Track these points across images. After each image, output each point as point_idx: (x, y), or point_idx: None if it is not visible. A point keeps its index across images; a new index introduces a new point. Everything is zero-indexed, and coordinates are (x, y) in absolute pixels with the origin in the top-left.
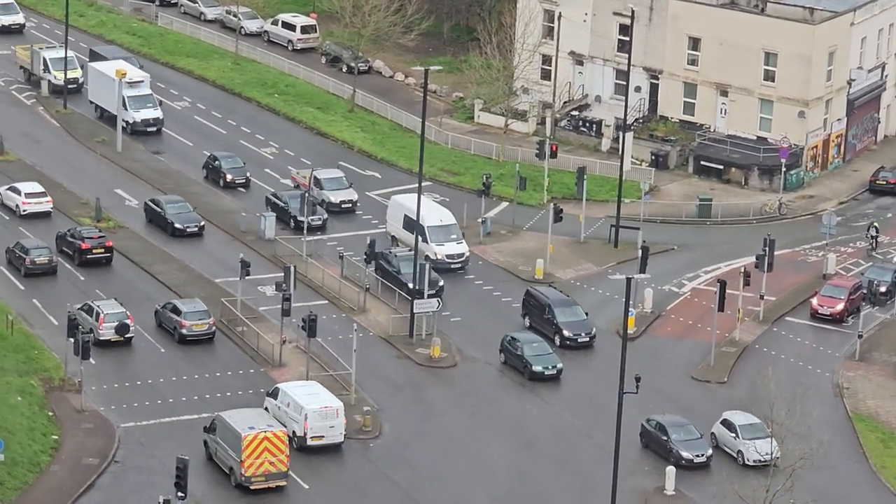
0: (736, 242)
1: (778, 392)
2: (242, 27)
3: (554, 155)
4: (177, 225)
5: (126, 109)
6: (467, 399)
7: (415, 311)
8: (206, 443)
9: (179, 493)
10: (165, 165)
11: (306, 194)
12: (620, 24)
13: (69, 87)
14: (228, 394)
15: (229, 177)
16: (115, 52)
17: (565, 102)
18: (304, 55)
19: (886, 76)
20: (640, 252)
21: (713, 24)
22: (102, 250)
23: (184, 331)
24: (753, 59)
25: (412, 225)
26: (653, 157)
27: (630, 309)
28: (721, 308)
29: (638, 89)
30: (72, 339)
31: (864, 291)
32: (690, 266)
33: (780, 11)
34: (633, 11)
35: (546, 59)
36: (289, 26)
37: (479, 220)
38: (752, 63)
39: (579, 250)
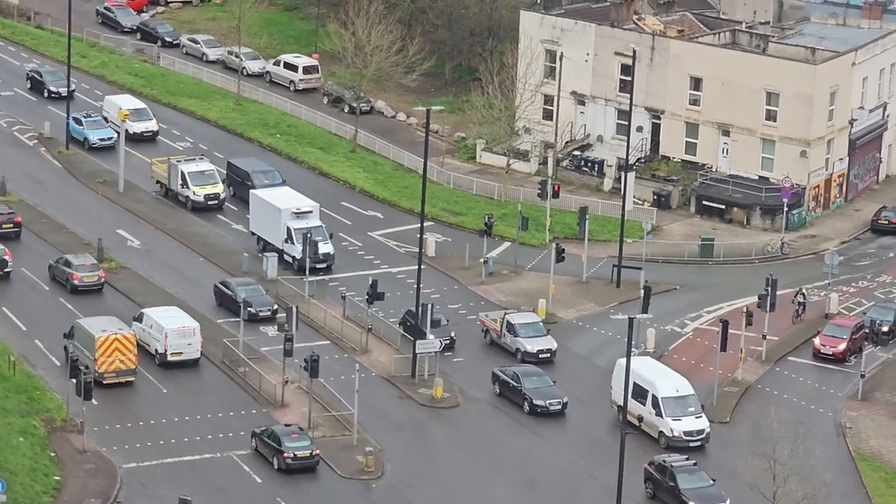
0: (738, 282)
1: (781, 432)
2: (244, 68)
3: (556, 195)
4: (251, 309)
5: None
6: (470, 439)
7: (417, 351)
8: (66, 348)
9: None
10: (168, 206)
11: (308, 234)
12: (622, 64)
13: (210, 203)
14: (230, 434)
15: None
16: (255, 164)
17: (567, 142)
18: (306, 96)
19: (888, 116)
20: (642, 292)
21: (715, 63)
22: (11, 226)
23: (76, 282)
24: (755, 98)
25: (643, 394)
26: (655, 197)
27: (633, 349)
28: (723, 348)
29: (640, 129)
30: (73, 380)
31: (867, 331)
32: (693, 306)
33: (782, 51)
34: (634, 51)
35: (548, 99)
36: (291, 67)
37: (482, 259)
38: (754, 103)
39: (581, 290)
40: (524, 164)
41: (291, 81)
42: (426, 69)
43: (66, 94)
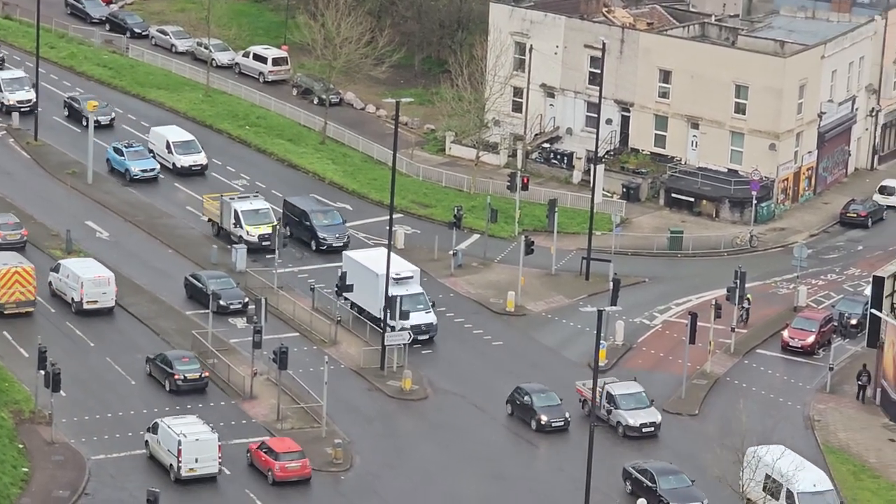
0: (707, 275)
1: (749, 424)
2: (214, 59)
3: (525, 187)
4: (222, 302)
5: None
6: (438, 431)
7: (386, 343)
8: None
9: None
10: (136, 197)
11: (278, 227)
12: (592, 57)
13: (263, 243)
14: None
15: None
16: (313, 202)
17: (537, 135)
18: (275, 87)
19: (857, 109)
20: (611, 284)
21: (684, 56)
22: None
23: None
24: (724, 91)
25: (776, 490)
26: (624, 190)
27: (601, 341)
28: (692, 340)
29: (609, 122)
30: (42, 372)
31: (835, 324)
32: (662, 298)
33: (751, 44)
34: (604, 44)
35: (517, 92)
36: (260, 58)
37: (451, 252)
38: (723, 96)
39: (550, 282)
40: (493, 156)
41: (261, 73)
42: (396, 61)
43: (106, 124)
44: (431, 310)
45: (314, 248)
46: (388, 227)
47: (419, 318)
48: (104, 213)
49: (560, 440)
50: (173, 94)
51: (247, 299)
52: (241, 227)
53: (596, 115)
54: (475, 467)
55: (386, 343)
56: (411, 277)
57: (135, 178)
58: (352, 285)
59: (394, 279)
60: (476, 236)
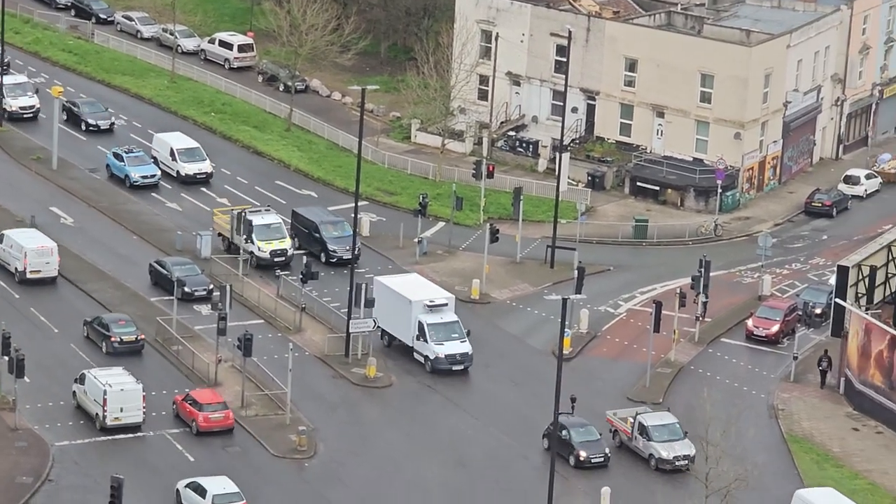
0: (672, 263)
1: (713, 413)
2: (179, 45)
3: (490, 175)
4: (186, 289)
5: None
6: (403, 419)
7: (351, 330)
8: None
9: None
10: (101, 183)
11: (241, 213)
12: (557, 45)
13: (276, 260)
14: (164, 413)
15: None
16: (322, 213)
17: (502, 123)
18: (240, 74)
19: (822, 98)
20: (575, 272)
21: (650, 45)
22: None
23: None
24: (690, 80)
25: None
26: (589, 178)
27: (566, 329)
28: (657, 329)
29: (575, 110)
30: (6, 357)
31: (800, 313)
32: (626, 287)
33: (717, 34)
34: (570, 32)
35: (483, 80)
36: (226, 45)
37: (416, 240)
38: (689, 85)
39: (515, 270)
40: (459, 144)
41: (226, 59)
42: (361, 48)
43: (106, 128)
44: (467, 339)
45: (324, 260)
46: (353, 215)
47: (454, 347)
48: (69, 198)
49: (525, 427)
50: (138, 81)
51: (211, 286)
52: (252, 242)
53: (561, 104)
54: (439, 455)
55: (350, 331)
56: (446, 305)
57: (135, 184)
58: (317, 273)
59: (427, 306)
60: (441, 224)
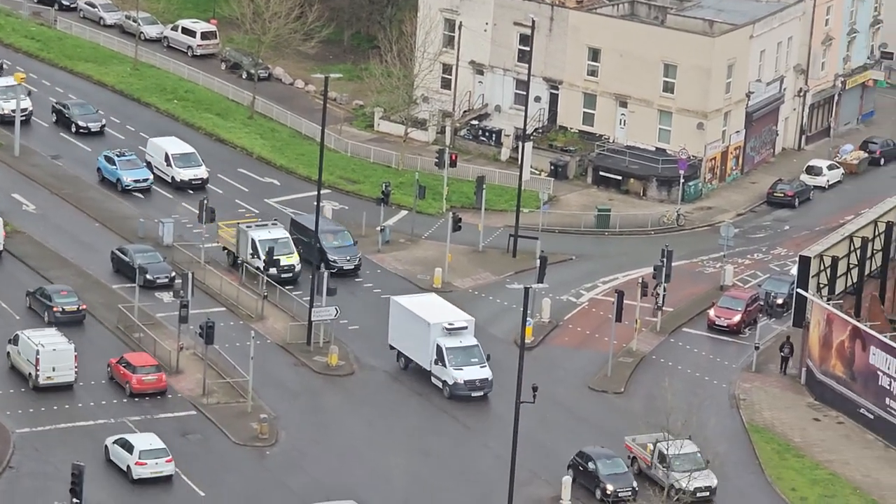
0: (634, 253)
1: (675, 402)
2: (142, 32)
3: (453, 164)
4: (148, 276)
5: None
6: (364, 407)
7: (312, 318)
8: None
9: (74, 500)
10: (63, 170)
11: (204, 201)
12: (521, 34)
13: (283, 275)
14: (125, 399)
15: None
16: (323, 222)
17: (465, 112)
18: (203, 61)
19: (785, 89)
20: (538, 262)
21: (613, 35)
22: None
23: None
24: (653, 70)
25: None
26: (552, 168)
27: (528, 318)
28: (619, 318)
29: (538, 99)
30: None
31: (761, 303)
32: (588, 276)
33: (680, 24)
34: (533, 21)
35: (446, 69)
36: (189, 32)
37: (378, 228)
38: (652, 74)
39: (478, 259)
40: (422, 132)
41: (189, 47)
42: (325, 36)
43: (97, 130)
44: (487, 364)
45: (323, 270)
46: (315, 203)
47: (473, 372)
48: (31, 185)
49: (487, 416)
50: (101, 68)
51: (173, 273)
52: (258, 257)
53: (525, 93)
54: (401, 443)
55: (312, 318)
56: (465, 328)
57: (126, 188)
58: (278, 260)
59: (446, 329)
60: (404, 212)
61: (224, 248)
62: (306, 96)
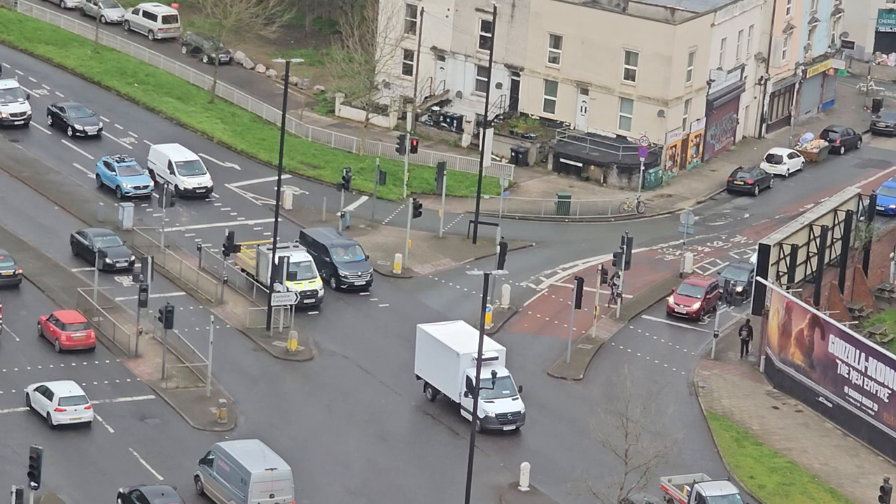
0: (594, 240)
1: (633, 389)
2: (103, 16)
3: (414, 150)
4: (108, 260)
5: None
6: (324, 392)
7: (272, 304)
8: None
9: (32, 483)
10: (23, 153)
11: (166, 185)
12: (482, 21)
13: (306, 301)
14: (83, 384)
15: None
16: (332, 236)
17: (426, 98)
18: (164, 45)
19: (746, 77)
20: (498, 248)
21: (575, 22)
22: None
23: None
24: (614, 57)
25: None
26: (513, 154)
27: (487, 305)
28: (578, 305)
29: (499, 86)
30: None
31: (721, 291)
32: (548, 263)
33: (642, 11)
34: (495, 8)
35: (408, 54)
36: (150, 16)
37: (339, 213)
38: (613, 62)
39: (438, 245)
40: (383, 118)
41: (150, 30)
42: (286, 21)
43: (94, 134)
44: (518, 396)
45: (334, 286)
46: (276, 188)
47: (504, 405)
48: None
49: (445, 402)
50: (62, 50)
51: (133, 257)
52: (280, 282)
53: (486, 80)
54: (360, 429)
55: (272, 304)
56: (496, 358)
57: (126, 195)
58: (239, 246)
59: (475, 360)
60: (364, 198)
61: (243, 271)
62: (267, 81)
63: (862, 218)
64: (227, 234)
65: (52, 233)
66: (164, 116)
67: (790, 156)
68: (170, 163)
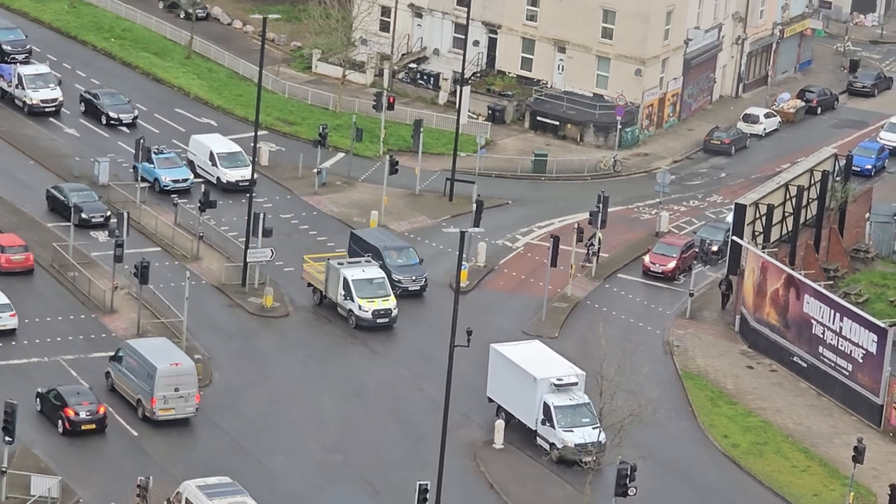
0: (570, 198)
1: (608, 348)
2: None
3: (391, 107)
4: (83, 215)
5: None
6: (299, 349)
7: (248, 260)
8: None
9: (7, 438)
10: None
11: (141, 139)
12: None
13: (380, 321)
14: (59, 339)
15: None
16: (385, 237)
17: (403, 55)
18: (141, 0)
19: (723, 37)
20: (474, 206)
21: None
22: None
23: None
24: (592, 16)
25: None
26: (489, 112)
27: (463, 262)
28: (554, 263)
29: (476, 43)
30: None
31: (696, 250)
32: (524, 221)
33: None
34: None
35: (385, 11)
36: None
37: (315, 170)
38: (591, 20)
39: (414, 203)
40: (360, 75)
41: None
42: None
43: (129, 122)
44: (599, 424)
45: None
46: (252, 144)
47: (585, 434)
48: None
49: (421, 360)
50: (38, 5)
51: (109, 213)
52: (351, 299)
53: (463, 37)
54: (335, 385)
55: (248, 260)
56: (576, 384)
57: (165, 188)
58: (215, 201)
59: (555, 385)
60: (341, 155)
61: (309, 285)
62: (244, 37)
63: (838, 178)
64: (203, 191)
65: (27, 187)
66: (141, 71)
67: (767, 115)
68: (211, 154)
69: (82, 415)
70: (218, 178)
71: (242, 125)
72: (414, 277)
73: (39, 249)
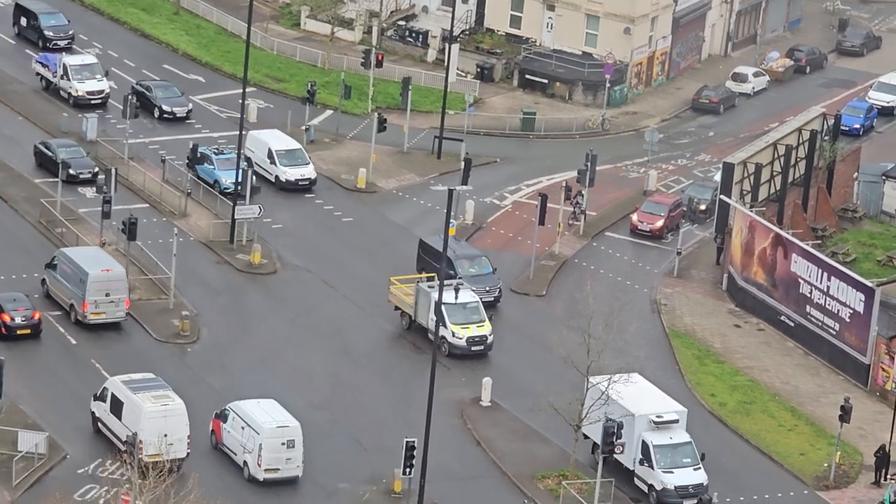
0: (558, 156)
1: (596, 306)
2: None
3: (380, 64)
4: (71, 171)
5: None
6: (287, 306)
7: (236, 216)
8: None
9: None
10: None
11: (129, 96)
12: None
13: (474, 348)
14: (36, 295)
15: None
16: (459, 246)
17: (392, 12)
18: None
19: None
20: (462, 164)
21: None
22: None
23: None
24: None
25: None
26: (478, 70)
27: (451, 220)
28: (542, 221)
29: (465, 1)
30: None
31: (684, 209)
32: (513, 179)
33: None
34: None
35: None
36: None
37: (303, 127)
38: None
39: (402, 160)
40: (348, 32)
41: None
42: None
43: (182, 116)
44: (701, 465)
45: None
46: (240, 101)
47: (686, 476)
48: None
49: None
50: None
51: (97, 169)
52: (444, 326)
53: None
54: (322, 342)
55: (236, 217)
56: (677, 421)
57: (226, 189)
58: (203, 156)
59: (654, 423)
60: (329, 112)
61: (396, 308)
62: None
63: (826, 138)
64: (191, 147)
65: (15, 143)
66: (129, 27)
67: (755, 74)
68: (269, 151)
69: (18, 320)
70: (276, 177)
71: (231, 82)
72: (487, 288)
73: (27, 205)
